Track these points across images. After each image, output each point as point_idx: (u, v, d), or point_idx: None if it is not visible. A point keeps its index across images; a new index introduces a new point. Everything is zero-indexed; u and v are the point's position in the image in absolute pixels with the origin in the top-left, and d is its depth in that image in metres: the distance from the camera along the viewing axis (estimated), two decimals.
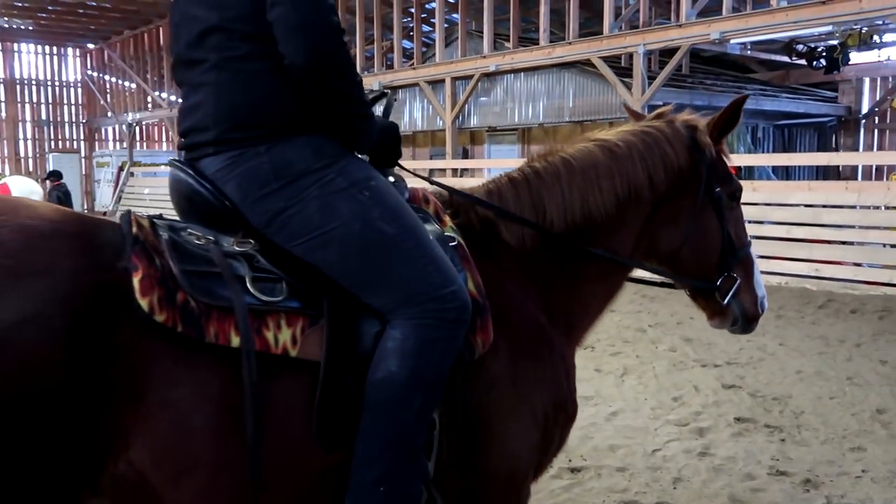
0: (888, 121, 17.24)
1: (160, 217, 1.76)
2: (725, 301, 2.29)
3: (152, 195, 22.62)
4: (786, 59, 15.39)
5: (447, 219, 1.99)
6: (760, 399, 5.22)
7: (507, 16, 15.19)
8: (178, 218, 1.84)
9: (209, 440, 1.53)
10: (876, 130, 17.52)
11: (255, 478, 1.54)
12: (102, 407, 1.44)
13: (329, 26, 1.69)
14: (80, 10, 23.10)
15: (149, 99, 25.54)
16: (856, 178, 15.72)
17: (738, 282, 2.29)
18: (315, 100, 1.76)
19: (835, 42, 12.88)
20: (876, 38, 12.47)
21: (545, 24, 13.92)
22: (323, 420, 1.63)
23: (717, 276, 2.29)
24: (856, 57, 13.99)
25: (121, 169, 26.38)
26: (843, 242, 9.80)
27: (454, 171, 15.03)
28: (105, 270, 1.51)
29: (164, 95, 24.85)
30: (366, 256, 1.72)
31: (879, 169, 16.40)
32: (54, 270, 1.44)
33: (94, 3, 22.51)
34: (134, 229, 1.61)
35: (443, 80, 15.60)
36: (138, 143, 29.19)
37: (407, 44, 19.31)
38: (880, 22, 11.06)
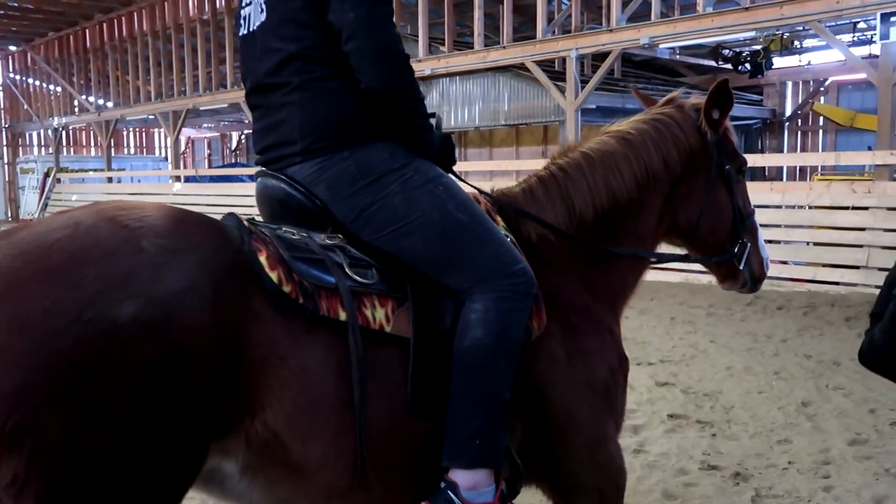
0: (810, 123, 17.89)
1: (253, 219, 1.94)
2: (742, 265, 2.53)
3: (80, 202, 21.97)
4: (713, 63, 15.82)
5: (498, 218, 2.21)
6: (692, 395, 5.35)
7: (441, 20, 15.23)
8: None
9: (334, 404, 1.72)
10: (799, 132, 18.17)
11: (362, 441, 1.73)
12: (242, 368, 1.59)
13: (400, 54, 1.95)
14: (1, 12, 22.27)
15: (75, 103, 24.79)
16: (780, 179, 16.26)
17: (749, 246, 2.53)
18: (388, 117, 1.99)
19: (758, 47, 13.30)
20: (797, 43, 12.92)
21: (480, 28, 13.99)
22: (416, 389, 1.84)
23: (730, 243, 2.53)
24: (779, 62, 14.48)
25: (46, 175, 25.55)
26: (769, 241, 10.12)
27: None
28: (237, 252, 1.70)
29: (91, 99, 24.16)
30: (446, 241, 1.95)
31: (803, 169, 17.00)
32: (201, 248, 1.63)
33: (15, 4, 21.73)
34: (245, 223, 1.81)
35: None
36: (65, 149, 28.29)
37: None
38: (801, 28, 11.47)
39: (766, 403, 5.13)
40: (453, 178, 2.13)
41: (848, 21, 11.61)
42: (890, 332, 1.69)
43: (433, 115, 2.25)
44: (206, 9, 19.55)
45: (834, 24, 10.17)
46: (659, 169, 2.38)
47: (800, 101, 17.52)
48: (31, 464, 1.35)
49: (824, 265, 9.45)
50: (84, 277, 1.45)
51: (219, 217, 1.87)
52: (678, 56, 14.77)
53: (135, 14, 21.89)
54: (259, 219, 2.05)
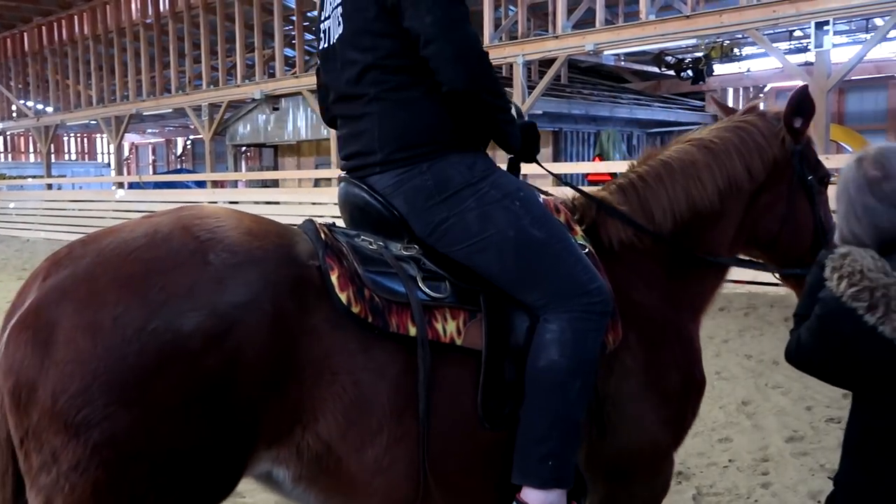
0: None
1: (334, 225, 1.99)
2: None
3: (19, 210, 21.35)
4: (656, 70, 16.10)
5: (577, 228, 2.19)
6: None
7: None
8: (342, 227, 2.07)
9: (389, 417, 1.76)
10: None
11: (425, 450, 1.77)
12: (294, 381, 1.66)
13: (480, 53, 1.95)
14: None
15: (13, 108, 24.08)
16: None
17: None
18: (472, 116, 2.01)
19: (700, 54, 13.58)
20: (737, 51, 13.24)
21: None
22: (487, 400, 1.86)
23: (811, 257, 2.38)
24: (719, 69, 14.82)
25: None
26: None
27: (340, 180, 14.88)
28: (302, 266, 1.75)
29: (29, 104, 23.50)
30: (520, 258, 1.94)
31: None
32: (264, 263, 1.68)
33: None
34: (322, 235, 1.85)
35: None
36: (2, 155, 27.45)
37: (289, 52, 19.03)
38: (740, 36, 11.76)
39: (708, 403, 5.18)
40: (533, 190, 2.13)
41: (784, 30, 11.95)
42: (816, 332, 1.72)
43: (512, 104, 2.24)
44: (150, 12, 19.19)
45: (771, 32, 10.44)
46: (742, 179, 2.34)
47: (740, 107, 17.90)
48: (94, 452, 1.49)
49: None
50: (152, 288, 1.56)
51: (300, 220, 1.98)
52: (623, 62, 15.00)
53: (75, 17, 21.39)
54: (340, 223, 2.13)
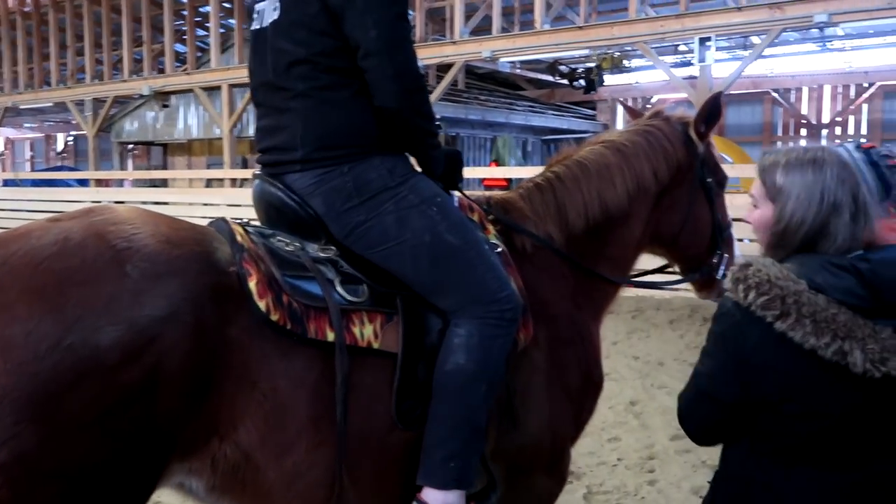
0: None
1: (248, 223, 1.96)
2: (719, 275, 2.58)
3: None
4: (550, 78, 16.48)
5: (490, 227, 2.23)
6: None
7: None
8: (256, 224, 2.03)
9: (308, 422, 1.75)
10: None
11: (343, 453, 1.77)
12: (214, 392, 1.63)
13: (417, 75, 1.97)
14: None
15: None
16: None
17: (727, 257, 2.60)
18: (398, 134, 2.00)
19: (592, 65, 14.00)
20: (626, 62, 13.71)
21: None
22: (401, 401, 1.88)
23: (709, 254, 2.61)
24: (610, 79, 15.28)
25: None
26: None
27: (233, 181, 14.52)
28: (221, 274, 1.71)
29: None
30: (435, 264, 1.95)
31: None
32: (184, 273, 1.63)
33: None
34: (238, 237, 1.81)
35: (219, 87, 15.03)
36: None
37: (180, 48, 18.39)
38: (629, 48, 12.19)
39: (598, 403, 5.35)
40: (450, 196, 2.14)
41: (670, 44, 12.48)
42: (716, 352, 1.71)
43: (440, 127, 2.28)
44: (29, 1, 18.13)
45: (658, 46, 10.88)
46: (649, 181, 2.44)
47: (627, 118, 18.57)
48: (1, 471, 1.42)
49: (651, 271, 10.00)
50: (67, 302, 1.49)
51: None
52: (518, 70, 15.27)
53: None
54: (255, 221, 2.09)
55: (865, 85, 14.74)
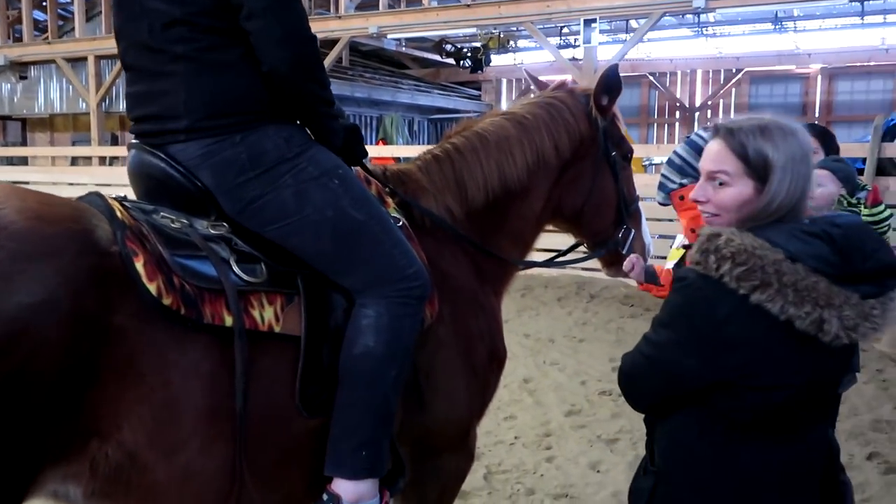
0: None
1: (125, 198, 1.77)
2: (625, 250, 2.53)
3: None
4: (437, 57, 16.42)
5: (389, 200, 2.11)
6: None
7: None
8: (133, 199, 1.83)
9: (203, 415, 1.61)
10: None
11: (243, 447, 1.64)
12: (95, 388, 1.46)
13: (307, 37, 1.80)
14: None
15: None
16: None
17: (633, 232, 2.55)
18: (291, 103, 1.85)
19: (478, 44, 14.03)
20: (512, 43, 13.82)
21: None
22: (305, 388, 1.76)
23: (615, 229, 2.55)
24: (496, 59, 15.39)
25: None
26: None
27: (102, 159, 13.66)
28: (102, 255, 1.53)
29: None
30: (338, 241, 1.84)
31: None
32: (61, 254, 1.46)
33: None
34: (117, 213, 1.63)
35: (85, 59, 14.07)
36: None
37: (39, 15, 17.08)
38: (515, 28, 12.28)
39: None
40: (352, 169, 1.99)
41: (555, 25, 12.65)
42: (676, 324, 1.64)
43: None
44: None
45: (542, 27, 10.98)
46: (550, 154, 2.36)
47: (512, 98, 18.82)
48: None
49: (538, 250, 10.16)
50: None
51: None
52: (404, 48, 15.13)
53: None
54: (132, 196, 1.87)
55: (734, 71, 15.49)
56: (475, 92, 18.98)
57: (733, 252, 1.53)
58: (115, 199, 1.73)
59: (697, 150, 2.36)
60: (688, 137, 2.67)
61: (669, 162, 2.60)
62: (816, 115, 14.57)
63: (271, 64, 1.77)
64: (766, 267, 1.51)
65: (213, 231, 1.79)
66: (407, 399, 1.96)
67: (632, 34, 10.69)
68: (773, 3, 8.76)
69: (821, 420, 1.69)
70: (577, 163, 2.46)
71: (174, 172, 1.81)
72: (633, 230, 2.59)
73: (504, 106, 14.13)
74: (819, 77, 14.58)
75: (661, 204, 2.60)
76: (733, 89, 15.83)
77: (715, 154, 1.68)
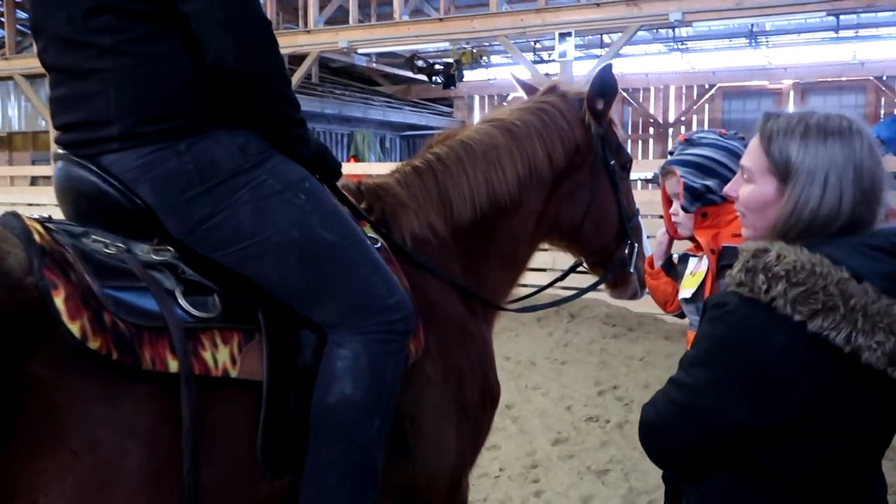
0: None
1: (50, 219, 1.50)
2: (632, 268, 2.31)
3: None
4: (408, 73, 16.25)
5: (363, 221, 1.86)
6: None
7: None
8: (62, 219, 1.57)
9: (143, 483, 1.35)
10: None
11: None
12: (2, 453, 1.22)
13: (259, 20, 1.52)
14: None
15: None
16: None
17: (637, 248, 2.33)
18: (246, 105, 1.55)
19: (450, 60, 13.86)
20: (485, 58, 13.67)
21: None
22: (268, 443, 1.50)
23: (616, 245, 2.32)
24: (468, 75, 15.22)
25: None
26: None
27: None
28: (15, 288, 1.29)
29: None
30: (307, 267, 1.57)
31: None
32: None
33: None
34: (35, 237, 1.37)
35: (44, 75, 13.57)
36: None
37: None
38: (487, 44, 12.12)
39: None
40: (320, 183, 1.70)
41: (526, 41, 12.52)
42: (715, 362, 1.38)
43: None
44: None
45: (518, 41, 10.83)
46: (543, 165, 2.13)
47: (485, 114, 18.69)
48: None
49: (563, 275, 9.94)
50: None
51: None
52: (374, 64, 14.93)
53: None
54: (59, 216, 1.62)
55: (707, 86, 15.48)
56: (447, 109, 18.83)
57: (788, 270, 1.28)
58: (35, 219, 1.45)
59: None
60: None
61: (707, 169, 2.23)
62: None
63: (215, 52, 1.49)
64: (830, 287, 1.26)
65: (155, 257, 1.53)
66: (389, 449, 1.69)
67: (606, 49, 10.57)
68: (748, 16, 8.66)
69: (878, 464, 1.45)
70: (572, 174, 2.23)
71: (107, 188, 1.52)
72: (637, 245, 2.36)
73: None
74: (791, 92, 14.62)
75: (685, 210, 2.25)
76: (707, 105, 15.81)
77: (749, 147, 1.47)
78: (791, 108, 15.08)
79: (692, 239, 2.27)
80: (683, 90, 15.97)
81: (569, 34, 8.81)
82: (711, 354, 1.37)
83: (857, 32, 12.11)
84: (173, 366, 1.40)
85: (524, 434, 4.69)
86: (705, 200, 2.16)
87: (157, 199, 1.53)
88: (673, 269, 2.42)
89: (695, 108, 15.86)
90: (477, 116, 18.54)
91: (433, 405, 1.80)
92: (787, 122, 1.40)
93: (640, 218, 2.44)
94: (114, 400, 1.34)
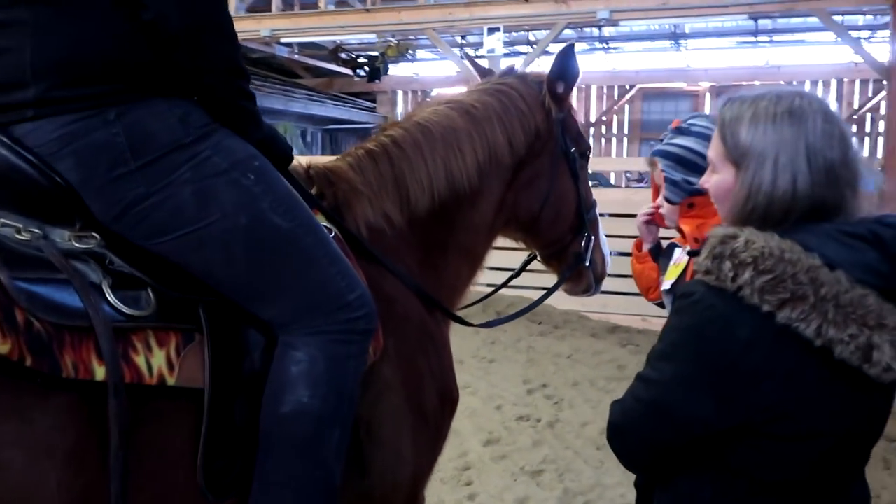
0: None
1: None
2: (588, 262, 2.21)
3: None
4: (331, 66, 15.97)
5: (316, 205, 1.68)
6: None
7: None
8: None
9: None
10: None
11: None
12: None
13: None
14: None
15: None
16: None
17: (593, 241, 2.22)
18: (189, 71, 1.35)
19: (375, 53, 13.65)
20: (410, 52, 13.52)
21: None
22: (210, 461, 1.34)
23: (573, 237, 2.21)
24: (393, 70, 15.05)
25: None
26: None
27: None
28: None
29: None
30: (257, 257, 1.39)
31: None
32: None
33: None
34: None
35: None
36: None
37: None
38: (413, 38, 11.97)
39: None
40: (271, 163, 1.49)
41: (452, 37, 12.43)
42: (685, 355, 1.30)
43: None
44: None
45: (445, 36, 10.72)
46: (504, 151, 2.01)
47: (409, 109, 18.55)
48: None
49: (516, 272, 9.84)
50: None
51: None
52: (296, 55, 14.57)
53: None
54: None
55: (627, 87, 15.73)
56: (370, 104, 18.60)
57: (755, 257, 1.21)
58: None
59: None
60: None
61: (681, 160, 2.16)
62: None
63: (158, 9, 1.28)
64: (799, 275, 1.18)
65: (77, 245, 1.32)
66: (352, 464, 1.55)
67: (533, 47, 10.59)
68: (674, 16, 8.79)
69: (861, 470, 1.38)
70: (532, 160, 2.11)
71: (20, 162, 1.30)
72: (593, 238, 2.26)
73: (400, 118, 13.82)
74: (707, 95, 15.02)
75: (668, 202, 2.15)
76: (627, 105, 16.08)
77: (713, 136, 1.42)
78: (707, 110, 15.52)
79: (679, 229, 2.20)
80: (605, 90, 16.19)
81: (497, 29, 8.75)
82: (676, 347, 1.30)
83: (771, 38, 12.49)
84: (100, 373, 1.22)
85: (455, 435, 4.54)
86: (691, 191, 2.09)
87: (80, 177, 1.31)
88: (661, 255, 2.33)
89: (615, 108, 16.12)
90: (401, 112, 18.40)
91: (391, 412, 1.66)
92: (739, 106, 1.35)
93: (596, 210, 2.35)
94: (26, 414, 1.16)
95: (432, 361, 1.82)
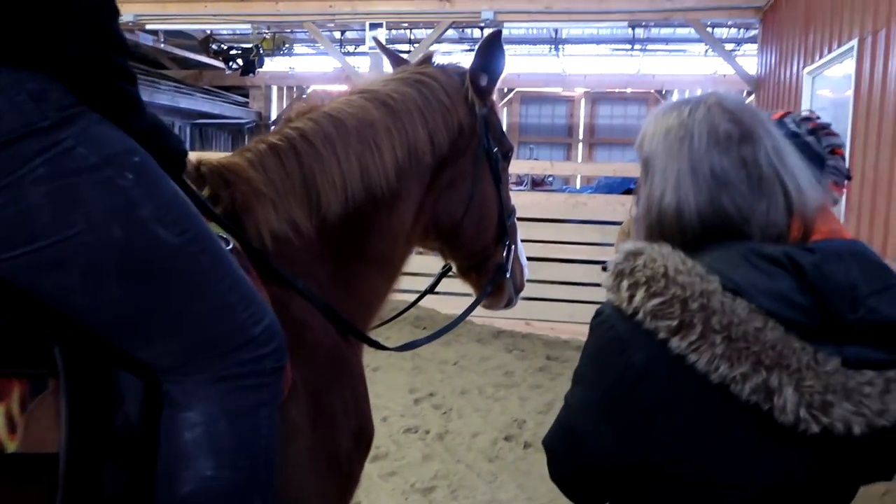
0: None
1: None
2: (508, 273, 2.03)
3: None
4: (201, 58, 15.23)
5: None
6: None
7: None
8: None
9: None
10: None
11: None
12: None
13: None
14: None
15: None
16: None
17: (514, 250, 2.06)
18: (51, 40, 1.02)
19: (250, 45, 13.11)
20: (287, 45, 13.05)
21: None
22: None
23: (495, 246, 2.02)
24: (267, 64, 14.51)
25: None
26: None
27: None
28: None
29: None
30: (134, 281, 1.08)
31: None
32: None
33: None
34: None
35: None
36: None
37: None
38: (290, 31, 11.53)
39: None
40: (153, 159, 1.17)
41: (330, 32, 12.08)
42: (591, 379, 1.15)
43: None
44: None
45: (324, 31, 10.37)
46: (425, 148, 1.77)
47: (284, 106, 17.98)
48: None
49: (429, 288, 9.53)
50: None
51: None
52: (163, 45, 13.78)
53: None
54: None
55: (506, 90, 15.89)
56: (241, 98, 17.92)
57: (648, 277, 1.06)
58: None
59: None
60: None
61: None
62: (580, 136, 15.35)
63: None
64: (689, 301, 1.03)
65: None
66: None
67: (416, 46, 10.41)
68: (557, 20, 8.85)
69: None
70: (454, 160, 1.87)
71: None
72: (514, 247, 2.07)
73: (274, 115, 13.28)
74: (583, 100, 15.37)
75: None
76: (505, 108, 16.24)
77: None
78: (582, 115, 15.87)
79: None
80: None
81: (380, 25, 8.51)
82: (582, 370, 1.17)
83: (645, 47, 12.91)
84: None
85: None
86: None
87: None
88: None
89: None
90: (275, 107, 17.80)
91: (299, 460, 1.38)
92: (654, 117, 1.25)
93: (515, 218, 2.13)
94: None
95: (346, 395, 1.55)
